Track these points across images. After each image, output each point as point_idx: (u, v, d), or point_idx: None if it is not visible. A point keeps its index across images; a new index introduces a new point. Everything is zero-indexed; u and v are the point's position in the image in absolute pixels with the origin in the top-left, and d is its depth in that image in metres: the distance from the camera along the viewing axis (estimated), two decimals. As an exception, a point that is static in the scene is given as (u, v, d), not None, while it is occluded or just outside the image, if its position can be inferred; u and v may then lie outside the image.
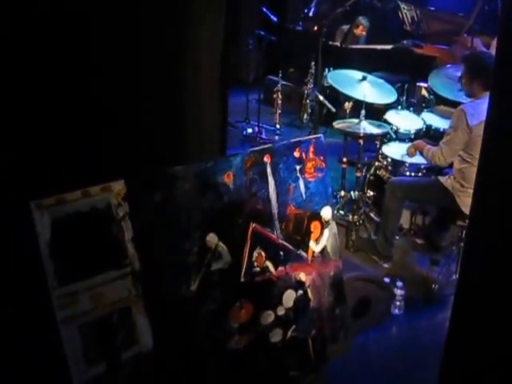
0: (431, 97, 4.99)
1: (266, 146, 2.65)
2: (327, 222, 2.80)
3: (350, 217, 4.64)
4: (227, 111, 3.31)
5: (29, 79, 2.23)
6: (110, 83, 2.51)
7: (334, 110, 4.96)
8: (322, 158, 2.77)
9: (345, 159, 4.87)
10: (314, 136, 2.77)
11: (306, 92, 5.77)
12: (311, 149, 2.73)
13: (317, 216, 2.77)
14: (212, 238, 2.47)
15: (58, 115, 2.35)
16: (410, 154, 4.39)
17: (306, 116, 6.03)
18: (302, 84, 6.04)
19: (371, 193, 4.86)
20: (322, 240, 2.79)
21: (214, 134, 3.19)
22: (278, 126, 5.89)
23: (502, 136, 2.12)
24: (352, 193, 4.77)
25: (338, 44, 6.61)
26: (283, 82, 6.21)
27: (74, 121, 2.41)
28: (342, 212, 4.84)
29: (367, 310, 3.64)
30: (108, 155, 2.52)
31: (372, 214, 4.75)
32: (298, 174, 2.70)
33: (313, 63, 5.76)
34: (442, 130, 4.52)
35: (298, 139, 2.71)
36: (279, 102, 5.86)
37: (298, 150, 2.69)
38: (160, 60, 2.69)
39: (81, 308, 2.20)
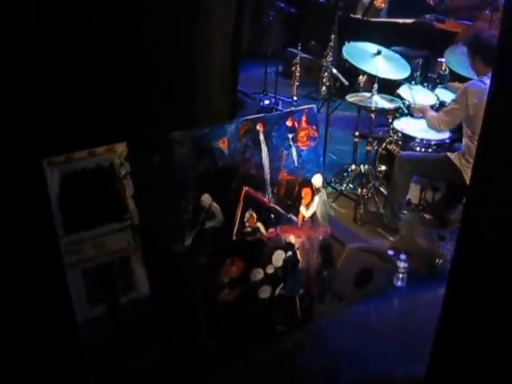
0: (446, 73, 5.23)
1: (259, 115, 3.00)
2: (318, 190, 3.14)
3: (359, 190, 4.92)
4: (237, 82, 3.61)
5: (40, 45, 2.57)
6: (120, 50, 2.82)
7: (346, 83, 5.21)
8: (314, 127, 3.10)
9: (357, 133, 5.15)
10: (307, 106, 3.11)
11: (324, 65, 6.04)
12: (304, 118, 3.07)
13: (308, 183, 3.13)
14: (206, 199, 2.85)
15: (69, 81, 2.70)
16: (413, 113, 4.72)
17: (323, 89, 6.32)
18: (322, 57, 6.31)
19: (382, 167, 5.11)
20: (313, 206, 3.14)
21: (224, 105, 3.49)
22: (294, 98, 6.19)
23: (503, 112, 2.21)
24: (362, 166, 5.06)
25: (359, 17, 6.86)
26: (303, 55, 6.46)
27: (85, 88, 2.75)
28: (351, 185, 5.14)
29: (370, 281, 3.92)
30: (116, 120, 2.88)
31: (382, 188, 5.02)
32: (291, 142, 3.05)
33: (333, 36, 6.02)
34: (454, 106, 4.74)
35: (290, 109, 3.05)
36: (297, 74, 6.12)
37: (290, 119, 3.04)
38: (170, 26, 2.98)
39: (85, 255, 2.63)
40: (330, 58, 5.75)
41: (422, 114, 4.62)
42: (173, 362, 2.83)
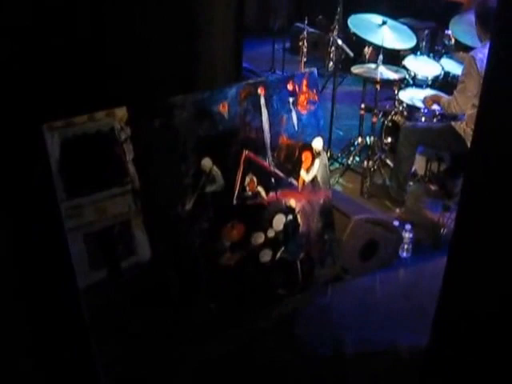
0: (451, 43, 5.18)
1: (260, 78, 2.98)
2: (318, 153, 3.13)
3: (366, 163, 4.89)
4: (241, 59, 3.58)
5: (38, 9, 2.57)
6: (121, 21, 2.83)
7: (352, 54, 5.17)
8: (314, 91, 3.08)
9: (363, 105, 5.12)
10: (308, 70, 3.08)
11: (331, 39, 5.99)
12: (304, 82, 3.05)
13: (308, 147, 3.12)
14: (207, 162, 2.85)
15: (70, 46, 2.70)
16: (427, 106, 4.64)
17: (330, 64, 6.26)
18: (329, 31, 6.24)
19: (388, 139, 5.09)
20: (313, 170, 3.13)
21: (228, 82, 3.46)
22: (302, 75, 6.12)
23: (502, 77, 2.21)
24: (368, 138, 5.03)
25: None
26: (310, 30, 6.43)
27: (85, 53, 2.75)
28: (357, 158, 5.12)
29: (375, 252, 3.92)
30: (116, 86, 2.87)
31: (388, 160, 5.00)
32: (291, 106, 3.04)
33: (338, 9, 5.95)
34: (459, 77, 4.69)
35: (291, 73, 3.03)
36: (305, 49, 6.06)
37: (291, 83, 3.02)
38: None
39: (86, 219, 2.63)
40: (335, 32, 5.68)
41: (436, 102, 4.56)
42: (174, 325, 2.84)
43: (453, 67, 4.94)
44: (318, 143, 3.12)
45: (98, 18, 2.75)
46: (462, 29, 4.91)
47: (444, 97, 4.52)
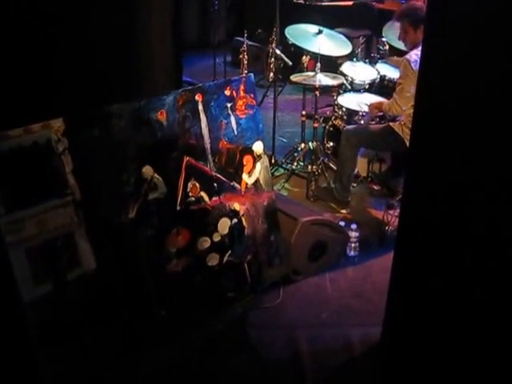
0: (385, 48, 5.25)
1: (197, 85, 2.93)
2: (259, 156, 3.10)
3: (310, 167, 4.88)
4: (181, 72, 3.54)
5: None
6: (61, 30, 2.76)
7: (290, 63, 5.19)
8: (252, 95, 3.05)
9: (304, 112, 5.13)
10: (244, 75, 3.05)
11: (270, 51, 5.99)
12: (241, 87, 3.02)
13: (249, 150, 3.08)
14: (148, 170, 2.77)
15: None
16: (373, 114, 4.67)
17: (271, 75, 6.25)
18: (269, 43, 6.25)
19: (330, 143, 5.12)
20: (255, 173, 3.09)
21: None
22: (243, 87, 6.09)
23: (434, 78, 2.27)
24: (310, 143, 5.03)
25: (302, 1, 6.83)
26: (250, 43, 6.42)
27: (22, 62, 2.66)
28: (301, 163, 5.11)
29: (324, 253, 3.90)
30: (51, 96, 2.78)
31: (331, 164, 5.02)
32: (230, 111, 3.00)
33: (277, 22, 5.96)
34: (395, 80, 4.77)
35: (228, 78, 2.99)
36: (245, 62, 6.04)
37: (228, 88, 2.98)
38: (112, 14, 2.94)
39: (27, 233, 2.52)
40: (274, 44, 5.69)
41: (380, 108, 4.59)
42: (125, 334, 2.75)
43: (388, 71, 5.01)
44: (258, 146, 3.09)
45: (35, 27, 2.66)
46: (395, 34, 4.96)
47: (384, 102, 4.56)
